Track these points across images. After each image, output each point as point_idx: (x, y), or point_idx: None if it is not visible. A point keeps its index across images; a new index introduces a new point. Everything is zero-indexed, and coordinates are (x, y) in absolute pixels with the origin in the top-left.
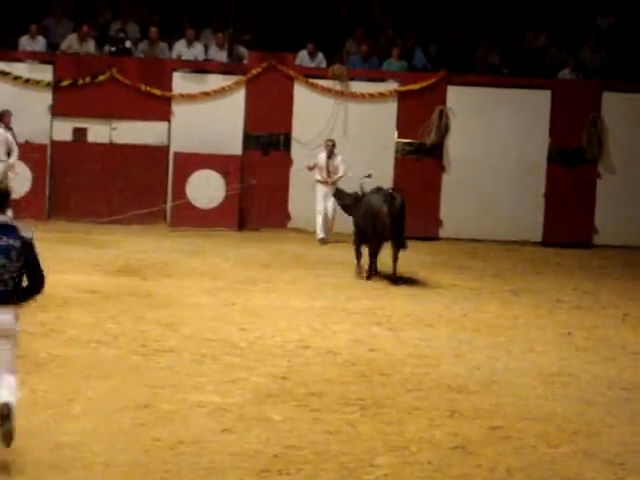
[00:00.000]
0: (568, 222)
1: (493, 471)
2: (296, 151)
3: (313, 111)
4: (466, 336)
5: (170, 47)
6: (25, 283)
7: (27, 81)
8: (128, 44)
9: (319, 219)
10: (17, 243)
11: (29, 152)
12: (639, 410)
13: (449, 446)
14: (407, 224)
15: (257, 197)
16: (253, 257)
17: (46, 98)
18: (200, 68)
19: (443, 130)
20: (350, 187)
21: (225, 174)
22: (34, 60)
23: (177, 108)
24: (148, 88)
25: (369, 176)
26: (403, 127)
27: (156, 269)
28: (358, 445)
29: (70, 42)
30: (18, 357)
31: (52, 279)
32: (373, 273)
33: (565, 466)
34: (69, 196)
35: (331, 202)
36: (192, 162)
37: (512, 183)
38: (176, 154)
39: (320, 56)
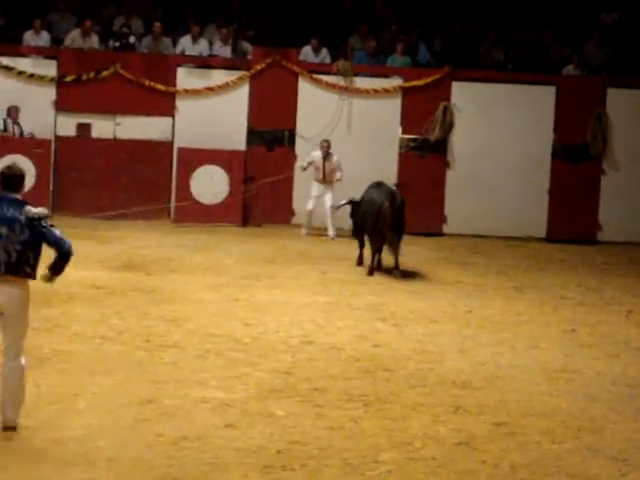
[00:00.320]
0: (572, 218)
1: (497, 467)
2: (300, 147)
3: (317, 107)
4: (470, 332)
5: (174, 42)
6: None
7: (31, 76)
8: (132, 39)
9: (307, 216)
10: (23, 218)
11: (33, 147)
12: None
13: (453, 442)
14: (411, 220)
15: (261, 193)
16: (257, 253)
17: (50, 93)
18: (204, 63)
19: (447, 126)
20: (350, 188)
21: (229, 170)
22: (38, 55)
23: (181, 103)
24: (152, 83)
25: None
26: (407, 123)
27: (160, 265)
28: (362, 441)
29: (73, 37)
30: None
31: None
32: (376, 268)
33: (569, 462)
34: (73, 191)
35: (328, 198)
36: (196, 157)
37: (516, 179)
38: (180, 149)
39: (324, 52)
